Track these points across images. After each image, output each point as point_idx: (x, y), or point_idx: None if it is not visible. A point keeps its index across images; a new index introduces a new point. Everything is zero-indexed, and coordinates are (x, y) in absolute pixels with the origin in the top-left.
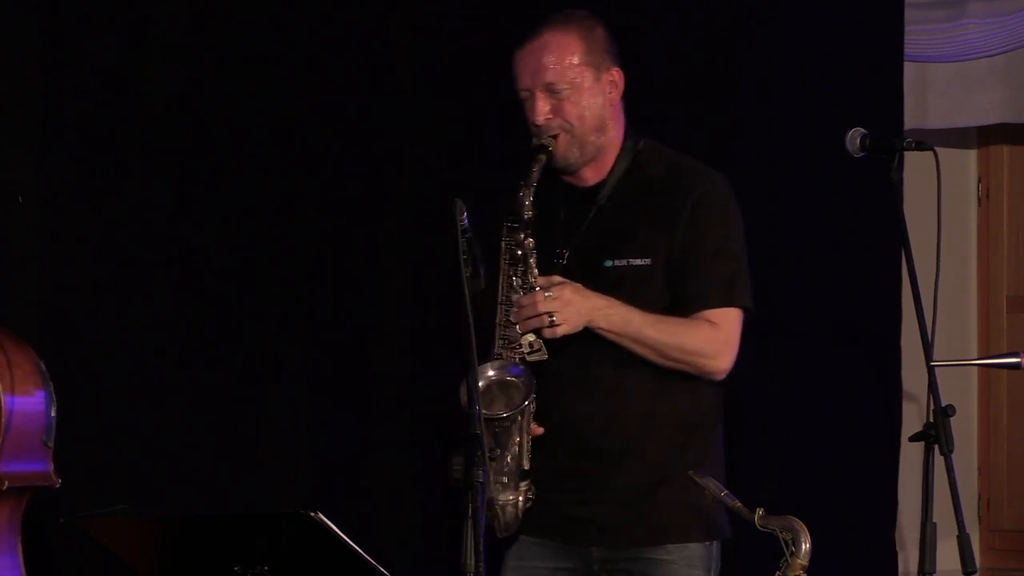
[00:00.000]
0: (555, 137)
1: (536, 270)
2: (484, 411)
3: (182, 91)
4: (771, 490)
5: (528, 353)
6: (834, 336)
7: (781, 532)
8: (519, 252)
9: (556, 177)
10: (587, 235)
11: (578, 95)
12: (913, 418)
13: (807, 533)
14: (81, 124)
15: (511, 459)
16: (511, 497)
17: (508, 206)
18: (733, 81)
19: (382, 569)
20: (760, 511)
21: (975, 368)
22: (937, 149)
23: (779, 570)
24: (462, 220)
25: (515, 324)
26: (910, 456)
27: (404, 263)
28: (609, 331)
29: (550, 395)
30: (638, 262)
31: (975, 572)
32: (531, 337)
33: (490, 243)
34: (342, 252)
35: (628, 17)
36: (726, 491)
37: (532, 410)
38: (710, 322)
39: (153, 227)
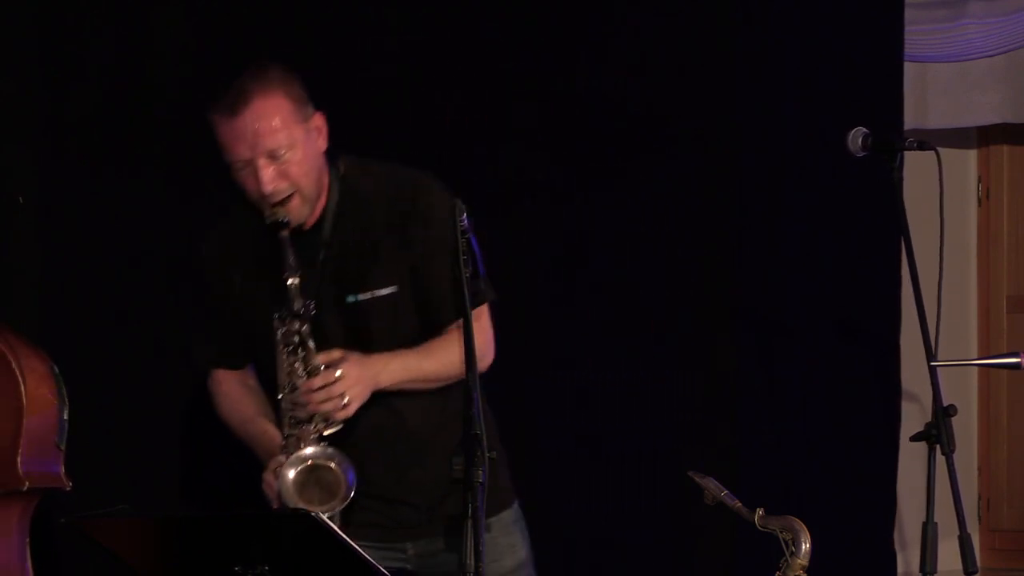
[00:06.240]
0: (285, 201)
1: (315, 353)
2: (302, 504)
3: (183, 91)
4: (771, 490)
5: (324, 428)
6: (834, 336)
7: (781, 532)
8: (296, 339)
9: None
10: (322, 276)
11: (297, 153)
12: (914, 418)
13: (807, 533)
14: (82, 124)
15: None
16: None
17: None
18: (733, 81)
19: (382, 569)
20: (760, 511)
21: (975, 368)
22: (938, 149)
23: (779, 570)
24: (462, 220)
25: (304, 407)
26: (911, 456)
27: None
28: (394, 385)
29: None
30: (384, 292)
31: (976, 572)
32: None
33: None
34: None
35: (628, 17)
36: (726, 491)
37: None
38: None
39: (154, 227)
